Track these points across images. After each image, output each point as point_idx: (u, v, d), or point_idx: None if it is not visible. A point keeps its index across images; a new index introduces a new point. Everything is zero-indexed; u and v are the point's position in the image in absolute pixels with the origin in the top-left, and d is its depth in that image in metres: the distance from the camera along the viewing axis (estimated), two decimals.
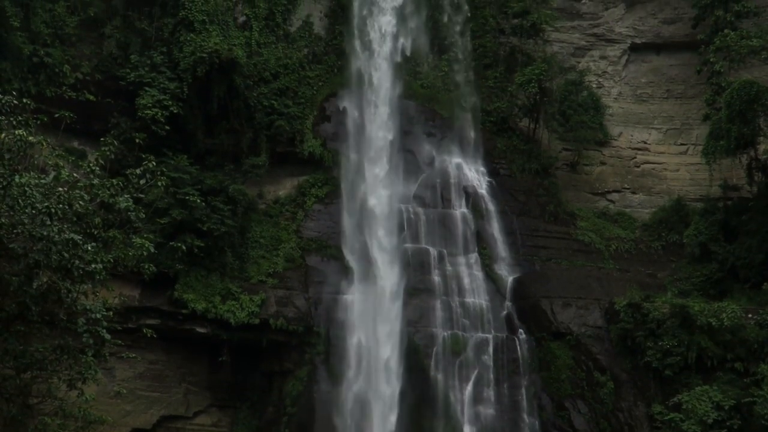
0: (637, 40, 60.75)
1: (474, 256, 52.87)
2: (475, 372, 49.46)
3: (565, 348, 50.14)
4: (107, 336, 28.97)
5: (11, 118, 26.74)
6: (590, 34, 61.03)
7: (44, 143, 26.94)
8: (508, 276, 52.80)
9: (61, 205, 26.32)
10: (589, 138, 58.45)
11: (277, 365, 50.08)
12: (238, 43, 52.45)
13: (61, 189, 26.71)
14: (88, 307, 28.58)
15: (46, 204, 25.99)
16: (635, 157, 59.90)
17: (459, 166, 55.63)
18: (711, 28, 56.17)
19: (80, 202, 27.07)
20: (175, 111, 50.23)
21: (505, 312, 51.65)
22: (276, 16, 55.12)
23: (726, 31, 53.71)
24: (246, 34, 53.70)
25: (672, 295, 50.49)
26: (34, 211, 25.89)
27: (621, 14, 60.77)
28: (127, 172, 29.47)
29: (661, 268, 55.18)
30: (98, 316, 28.70)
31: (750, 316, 47.49)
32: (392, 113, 55.21)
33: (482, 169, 56.32)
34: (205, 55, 50.57)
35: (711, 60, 54.91)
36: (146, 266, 30.49)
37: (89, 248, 26.94)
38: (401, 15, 57.07)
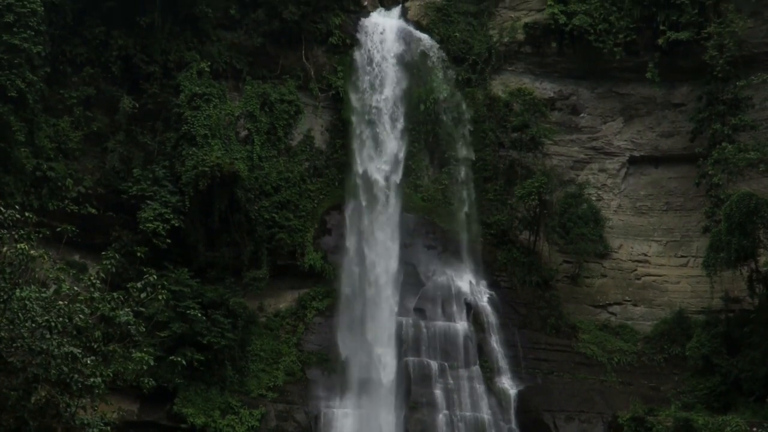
0: (636, 153, 61.05)
1: (475, 370, 52.49)
2: None
3: None
4: None
5: (13, 232, 26.85)
6: (589, 147, 61.40)
7: (45, 257, 27.04)
8: (510, 389, 52.40)
9: (61, 319, 26.25)
10: (590, 250, 58.42)
11: None
12: (240, 157, 52.81)
13: (61, 302, 26.66)
14: (86, 422, 28.26)
15: (46, 317, 25.93)
16: (636, 270, 59.81)
17: (460, 279, 55.57)
18: (709, 141, 56.52)
19: (80, 316, 27.01)
20: (176, 224, 50.43)
21: (507, 426, 51.12)
22: (277, 130, 55.55)
23: (724, 144, 54.04)
24: (248, 148, 54.09)
25: (675, 408, 50.03)
26: (33, 325, 25.83)
27: (619, 128, 61.23)
28: (128, 286, 29.44)
29: (664, 381, 54.74)
30: (96, 431, 28.41)
31: (755, 429, 46.81)
32: (392, 226, 55.36)
33: (483, 281, 56.22)
34: (207, 168, 50.88)
35: (709, 172, 55.08)
36: (146, 380, 30.25)
37: (89, 362, 26.78)
38: (402, 130, 57.49)
